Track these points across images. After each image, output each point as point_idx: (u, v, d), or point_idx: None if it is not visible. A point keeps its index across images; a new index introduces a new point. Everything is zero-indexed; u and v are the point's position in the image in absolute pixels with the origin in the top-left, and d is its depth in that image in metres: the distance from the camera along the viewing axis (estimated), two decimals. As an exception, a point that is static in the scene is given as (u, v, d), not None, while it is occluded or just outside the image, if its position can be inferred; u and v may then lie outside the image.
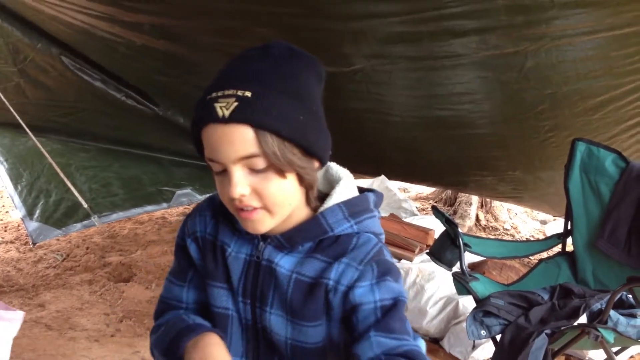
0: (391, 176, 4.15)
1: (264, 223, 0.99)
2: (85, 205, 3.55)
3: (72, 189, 3.48)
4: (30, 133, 3.37)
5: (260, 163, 0.93)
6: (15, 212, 4.82)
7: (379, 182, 4.33)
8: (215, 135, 0.92)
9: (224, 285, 1.10)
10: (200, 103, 0.95)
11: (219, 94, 0.92)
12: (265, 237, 1.06)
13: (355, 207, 1.06)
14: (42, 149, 3.45)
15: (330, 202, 1.06)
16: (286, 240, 1.05)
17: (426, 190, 6.04)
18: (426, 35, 2.49)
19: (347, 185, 1.08)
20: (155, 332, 1.14)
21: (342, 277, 1.02)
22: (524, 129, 2.97)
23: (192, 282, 1.17)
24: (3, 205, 5.28)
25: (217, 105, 0.91)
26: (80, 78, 3.68)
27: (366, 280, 1.01)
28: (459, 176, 3.79)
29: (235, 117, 0.90)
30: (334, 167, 1.12)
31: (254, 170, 0.95)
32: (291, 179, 0.98)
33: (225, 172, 0.96)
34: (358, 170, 4.24)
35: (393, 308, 0.99)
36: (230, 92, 0.91)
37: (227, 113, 0.90)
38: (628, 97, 2.64)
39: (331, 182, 1.10)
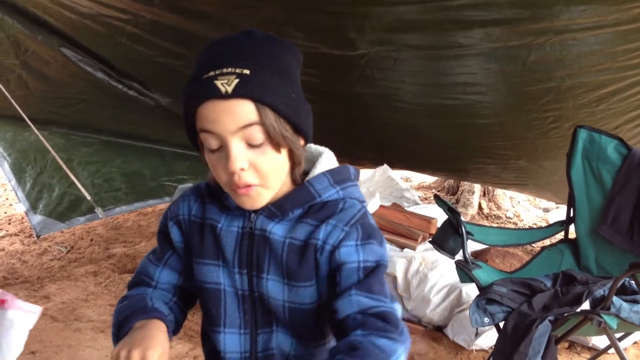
0: (394, 163, 4.14)
1: (260, 199, 1.05)
2: (89, 198, 3.56)
3: (76, 182, 3.49)
4: (32, 126, 3.38)
5: (258, 135, 0.98)
6: (19, 205, 4.84)
7: (381, 172, 4.33)
8: (216, 110, 0.96)
9: (213, 261, 1.15)
10: (194, 82, 0.98)
11: (217, 72, 0.96)
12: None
13: (339, 175, 1.13)
14: (46, 143, 3.46)
15: (316, 171, 1.12)
16: (277, 208, 1.10)
17: (429, 179, 6.04)
18: (431, 25, 2.49)
19: (328, 157, 1.16)
20: (120, 302, 1.21)
21: (329, 237, 1.08)
22: (527, 120, 2.97)
23: (167, 264, 1.22)
24: (7, 199, 5.30)
25: (218, 83, 0.95)
26: (82, 69, 3.68)
27: (351, 240, 1.07)
28: (461, 164, 3.79)
29: (237, 93, 0.95)
30: (313, 146, 1.18)
31: (251, 146, 0.99)
32: (284, 154, 1.03)
33: (221, 150, 0.99)
34: (361, 156, 4.24)
35: (375, 270, 1.06)
36: (229, 69, 0.96)
37: (229, 89, 0.94)
38: (631, 90, 2.64)
39: (311, 159, 1.16)
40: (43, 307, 3.17)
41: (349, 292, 1.03)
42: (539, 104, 2.80)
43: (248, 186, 1.01)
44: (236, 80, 0.94)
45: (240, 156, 0.98)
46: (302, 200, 1.10)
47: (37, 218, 3.76)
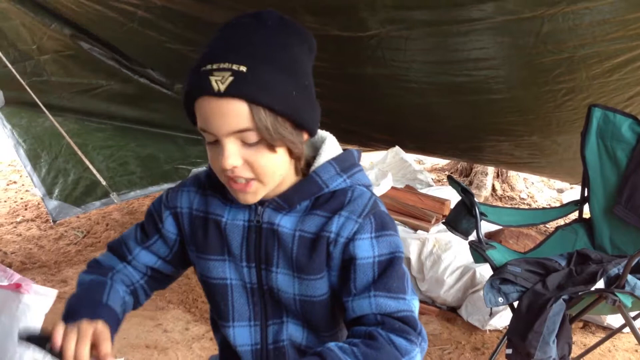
0: (407, 143, 4.11)
1: (256, 194, 1.03)
2: (104, 183, 3.59)
3: (91, 167, 3.52)
4: (47, 112, 3.41)
5: (253, 137, 0.95)
6: (35, 191, 4.89)
7: (393, 154, 4.32)
8: (210, 108, 0.94)
9: (219, 256, 1.13)
10: (194, 73, 0.96)
11: (214, 66, 0.93)
12: (262, 201, 1.08)
13: (345, 162, 1.11)
14: (60, 129, 3.49)
15: (321, 160, 1.09)
16: (284, 201, 1.08)
17: (441, 161, 6.02)
18: (443, 0, 2.48)
19: (332, 143, 1.12)
20: (90, 267, 1.23)
21: (343, 229, 1.06)
22: (540, 94, 2.94)
23: (149, 248, 1.22)
24: (22, 184, 5.35)
25: (213, 79, 0.92)
26: (94, 57, 3.71)
27: (365, 233, 1.05)
28: (474, 142, 3.76)
29: (231, 92, 0.92)
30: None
31: (246, 144, 0.97)
32: (281, 152, 1.00)
33: (217, 143, 0.98)
34: (374, 137, 4.22)
35: (390, 265, 1.04)
36: (226, 65, 0.92)
37: (222, 87, 0.91)
38: (644, 59, 2.61)
39: (314, 144, 1.14)
40: (61, 290, 3.22)
41: (368, 293, 1.02)
42: (551, 75, 2.77)
43: (246, 183, 1.00)
44: (230, 78, 0.91)
45: (233, 154, 0.96)
46: (309, 191, 1.08)
47: (53, 203, 3.80)
